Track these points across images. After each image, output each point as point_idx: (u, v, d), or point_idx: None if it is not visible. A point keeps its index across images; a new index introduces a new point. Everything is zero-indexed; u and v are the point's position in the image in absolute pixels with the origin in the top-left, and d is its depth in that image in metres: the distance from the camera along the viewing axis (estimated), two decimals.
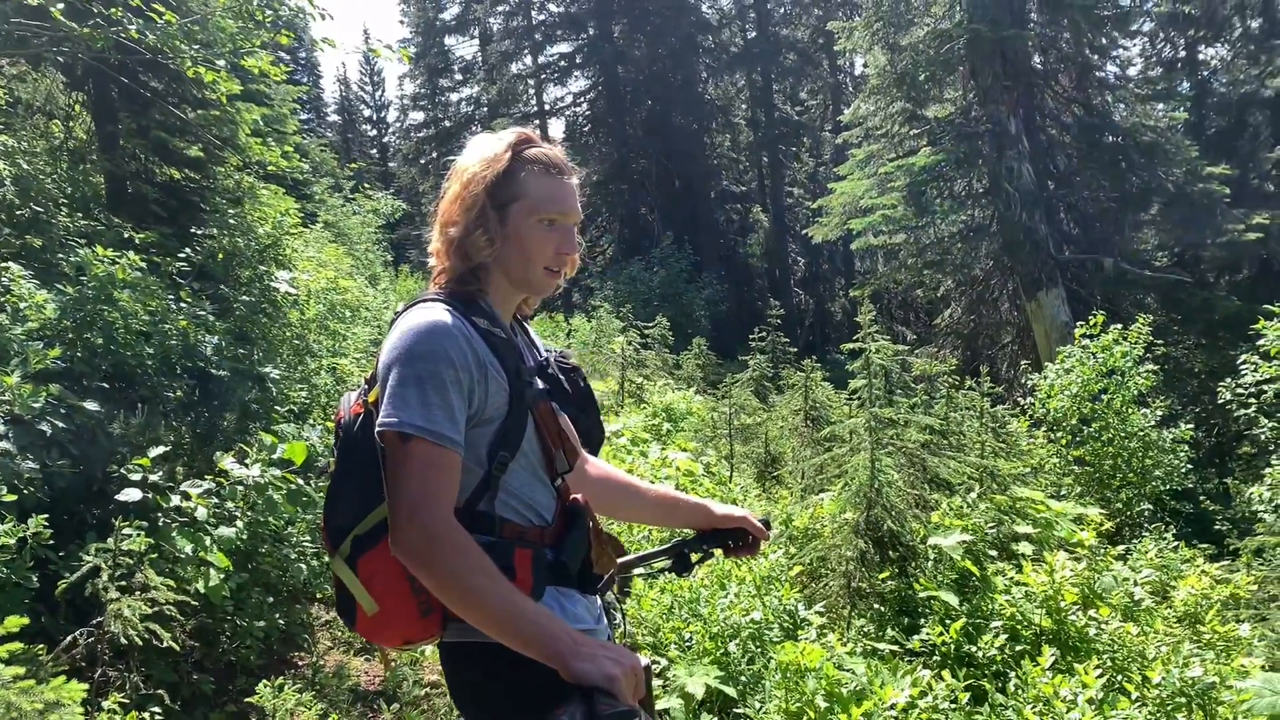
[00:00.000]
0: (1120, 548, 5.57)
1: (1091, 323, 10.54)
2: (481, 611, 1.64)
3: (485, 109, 37.62)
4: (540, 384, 1.93)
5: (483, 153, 1.91)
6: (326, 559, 4.84)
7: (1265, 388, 10.42)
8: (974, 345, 18.35)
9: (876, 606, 5.06)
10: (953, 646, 4.43)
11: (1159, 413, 10.22)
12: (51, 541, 3.63)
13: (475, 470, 1.79)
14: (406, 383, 1.69)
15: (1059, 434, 10.18)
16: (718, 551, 2.39)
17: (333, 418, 1.94)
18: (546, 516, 1.90)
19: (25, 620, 2.73)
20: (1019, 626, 4.53)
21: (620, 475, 2.35)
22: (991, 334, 18.10)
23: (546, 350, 2.12)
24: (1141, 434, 9.76)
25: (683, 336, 19.55)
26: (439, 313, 1.78)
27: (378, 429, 1.69)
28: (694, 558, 2.37)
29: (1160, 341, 11.29)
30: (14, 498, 3.58)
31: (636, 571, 2.42)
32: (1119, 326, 10.42)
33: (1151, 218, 18.65)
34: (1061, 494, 9.31)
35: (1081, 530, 5.41)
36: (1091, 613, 4.48)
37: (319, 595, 5.73)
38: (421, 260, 34.86)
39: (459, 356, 1.73)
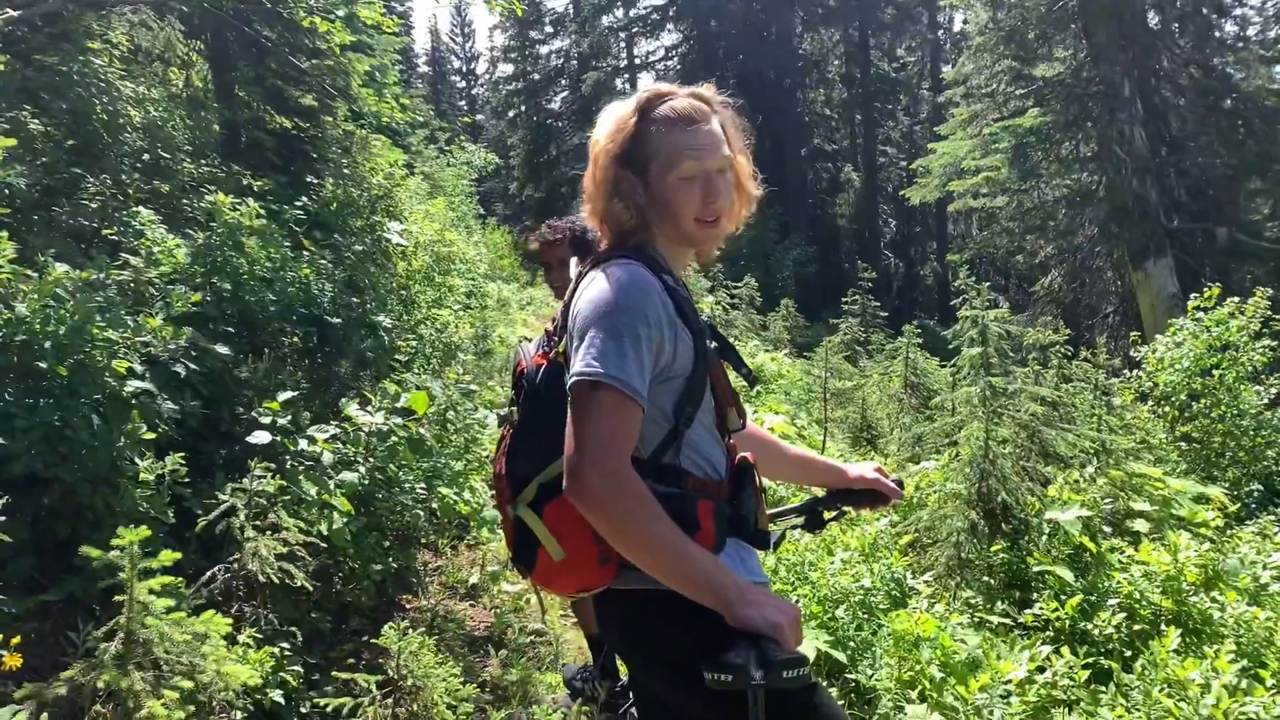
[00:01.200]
0: (1249, 528, 5.38)
1: (1206, 295, 10.13)
2: (655, 555, 1.67)
3: (575, 62, 37.52)
4: (713, 343, 1.94)
5: (609, 122, 1.93)
6: (447, 493, 4.93)
7: None
8: (1074, 314, 17.84)
9: (985, 579, 4.98)
10: (1067, 623, 4.34)
11: (1274, 390, 9.82)
12: (186, 480, 3.76)
13: (662, 424, 1.82)
14: (606, 334, 1.71)
15: (1166, 409, 9.85)
16: (849, 509, 2.44)
17: (514, 367, 1.98)
18: (721, 472, 1.92)
19: (178, 555, 2.83)
20: (1137, 605, 4.42)
21: (763, 433, 2.40)
22: (1092, 304, 17.58)
23: None
24: (1255, 411, 9.38)
25: (769, 298, 19.38)
26: (639, 269, 1.81)
27: (573, 377, 1.71)
28: (827, 515, 2.42)
29: (1277, 316, 10.82)
30: (153, 436, 3.70)
31: (776, 526, 2.45)
32: (1236, 300, 10.00)
33: (1270, 186, 17.85)
34: (1165, 470, 9.04)
35: (1206, 510, 5.24)
36: (1215, 594, 4.34)
37: (424, 541, 5.86)
38: (508, 214, 35.17)
39: (654, 314, 1.76)
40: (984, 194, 17.79)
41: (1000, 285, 26.02)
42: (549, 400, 1.85)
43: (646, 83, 37.00)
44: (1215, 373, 9.69)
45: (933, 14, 33.59)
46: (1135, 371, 10.66)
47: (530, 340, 2.05)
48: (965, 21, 21.38)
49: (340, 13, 6.24)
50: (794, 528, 2.50)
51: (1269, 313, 10.04)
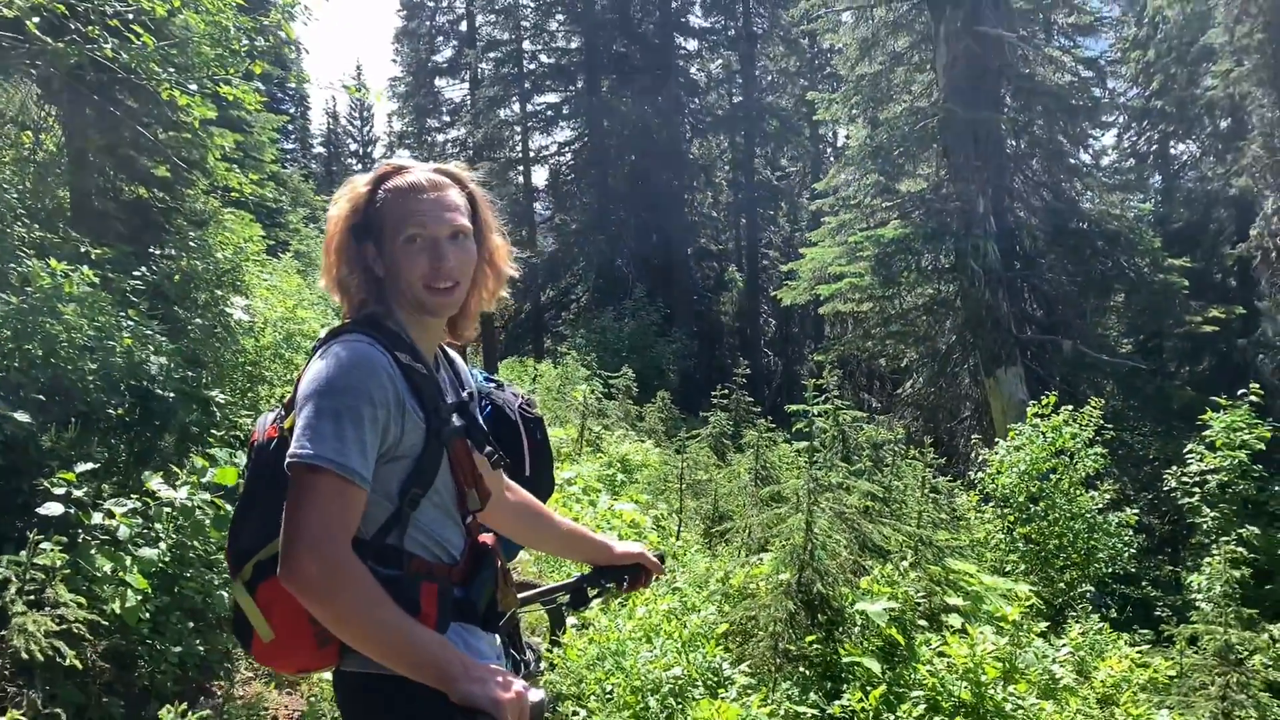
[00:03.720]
0: (1043, 624, 5.62)
1: (1044, 402, 10.68)
2: (376, 642, 1.64)
3: (470, 151, 37.82)
4: (458, 421, 1.92)
5: (344, 192, 1.92)
6: None
7: (1209, 478, 10.59)
8: (935, 417, 18.54)
9: (802, 670, 5.06)
10: (872, 714, 4.44)
11: (1107, 496, 10.33)
12: None
13: (385, 505, 1.79)
14: (324, 415, 1.67)
15: (1007, 510, 10.26)
16: (613, 585, 2.46)
17: (249, 438, 1.91)
18: (455, 554, 1.91)
19: None
20: (940, 698, 4.55)
21: (536, 504, 2.39)
22: (951, 407, 18.32)
23: (510, 391, 2.15)
24: (1087, 515, 9.85)
25: (649, 389, 19.58)
26: (364, 347, 1.77)
27: (288, 460, 1.66)
28: (591, 593, 2.45)
29: (1111, 426, 11.45)
30: None
31: (535, 606, 2.49)
32: (1070, 407, 10.57)
33: (1115, 304, 19.08)
34: (1006, 570, 9.38)
35: (1008, 606, 5.46)
36: (1011, 688, 4.51)
37: None
38: None
39: (379, 393, 1.72)
40: (851, 299, 18.51)
41: (869, 387, 26.91)
42: (275, 475, 1.77)
43: (541, 176, 37.67)
44: (1052, 477, 10.17)
45: (814, 128, 35.16)
46: (979, 474, 11.12)
47: (271, 412, 1.98)
48: (848, 136, 22.52)
49: (194, 87, 6.22)
50: (561, 605, 2.54)
51: (1102, 421, 10.64)
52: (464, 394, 2.04)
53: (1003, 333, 16.25)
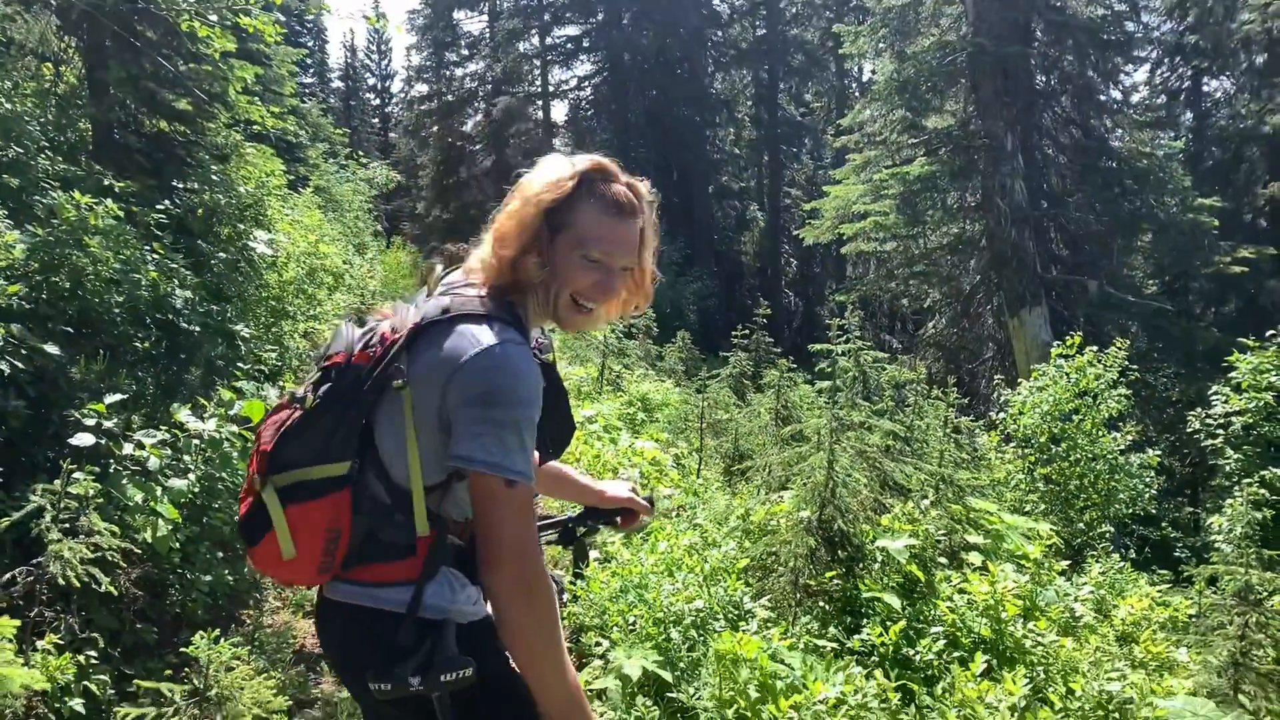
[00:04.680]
0: (1064, 563, 5.64)
1: (1069, 342, 10.60)
2: (549, 652, 1.74)
3: (489, 85, 37.50)
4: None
5: (549, 174, 1.92)
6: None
7: (1233, 420, 10.54)
8: (956, 358, 18.45)
9: (822, 605, 5.11)
10: (891, 648, 4.48)
11: (1129, 437, 10.29)
12: (2, 481, 3.65)
13: (437, 475, 1.81)
14: (510, 428, 1.72)
15: (1028, 451, 10.25)
16: (602, 526, 2.54)
17: (328, 350, 1.89)
18: (469, 513, 1.91)
19: None
20: (959, 634, 4.59)
21: None
22: (974, 348, 18.20)
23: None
24: (1109, 457, 9.83)
25: (669, 329, 19.57)
26: (527, 353, 1.81)
27: (485, 469, 1.71)
28: (580, 531, 2.52)
29: (1136, 368, 11.38)
30: None
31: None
32: (1095, 348, 10.49)
33: (1143, 244, 18.80)
34: (1025, 510, 9.39)
35: (1030, 545, 5.48)
36: (1030, 625, 4.54)
37: None
38: (415, 233, 34.82)
39: (539, 402, 1.80)
40: (874, 238, 18.33)
41: (891, 328, 26.78)
42: (350, 405, 1.79)
43: (560, 111, 37.27)
44: (1074, 418, 10.13)
45: (840, 62, 34.55)
46: (1002, 414, 11.09)
47: (359, 327, 1.93)
48: (874, 71, 22.11)
49: (214, 18, 6.15)
50: (549, 542, 2.58)
51: (1126, 363, 10.56)
52: None
53: (1028, 272, 16.07)
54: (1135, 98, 23.49)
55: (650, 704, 4.06)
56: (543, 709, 1.78)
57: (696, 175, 32.97)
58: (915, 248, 17.98)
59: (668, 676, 4.16)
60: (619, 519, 2.50)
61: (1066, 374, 10.33)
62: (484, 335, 1.77)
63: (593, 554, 5.62)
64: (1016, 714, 3.37)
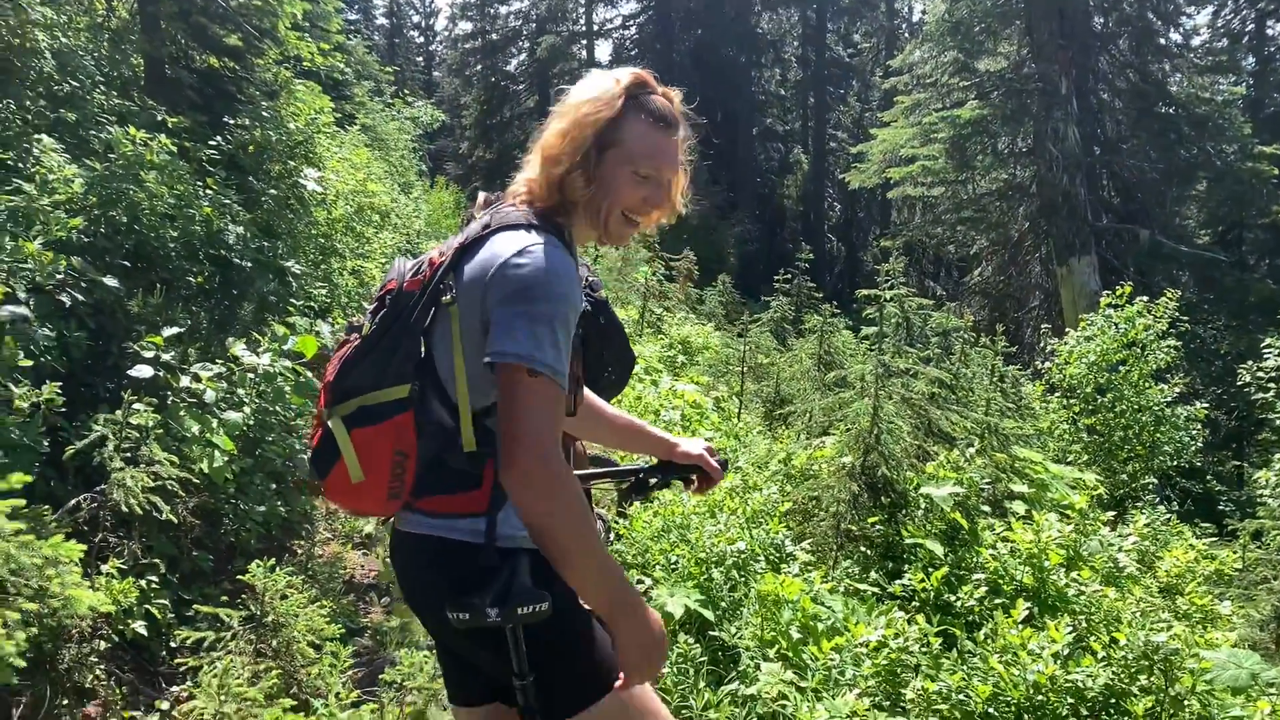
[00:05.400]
0: (1109, 514, 5.60)
1: (1118, 292, 10.43)
2: (576, 546, 1.73)
3: (533, 24, 37.12)
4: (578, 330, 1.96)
5: (596, 91, 1.92)
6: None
7: None
8: (1002, 306, 18.21)
9: (863, 549, 5.13)
10: (933, 594, 4.50)
11: (1177, 389, 10.15)
12: (64, 409, 3.74)
13: (491, 392, 1.82)
14: (541, 321, 1.72)
15: (1073, 401, 10.15)
16: (671, 482, 2.49)
17: (385, 282, 1.95)
18: None
19: (29, 478, 2.83)
20: (1001, 581, 4.60)
21: (592, 398, 2.40)
22: (1020, 296, 17.95)
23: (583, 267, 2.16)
24: (1155, 408, 9.71)
25: (709, 272, 19.46)
26: (565, 255, 1.81)
27: (510, 358, 1.70)
28: (651, 482, 2.47)
29: (1187, 319, 11.18)
30: (30, 363, 3.68)
31: (596, 485, 2.53)
32: (1145, 299, 10.31)
33: (1197, 193, 18.34)
34: (1068, 461, 9.33)
35: (1075, 494, 5.45)
36: (1074, 574, 4.53)
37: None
38: (458, 174, 34.78)
39: (577, 301, 1.80)
40: (922, 183, 18.03)
41: (936, 274, 26.45)
42: (405, 328, 1.84)
43: (604, 50, 36.83)
44: (1121, 369, 9.99)
45: (890, 1, 33.80)
46: (1047, 364, 10.97)
47: (410, 258, 2.00)
48: (925, 11, 21.60)
49: None
50: (619, 491, 2.57)
51: (1176, 314, 10.38)
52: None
53: (1078, 220, 15.76)
54: (1196, 41, 22.79)
55: (692, 641, 4.13)
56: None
57: (741, 117, 32.53)
58: (963, 193, 17.67)
59: (710, 615, 4.22)
60: (692, 478, 2.45)
61: (1115, 324, 10.17)
62: (520, 239, 1.81)
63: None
64: (1060, 661, 3.38)
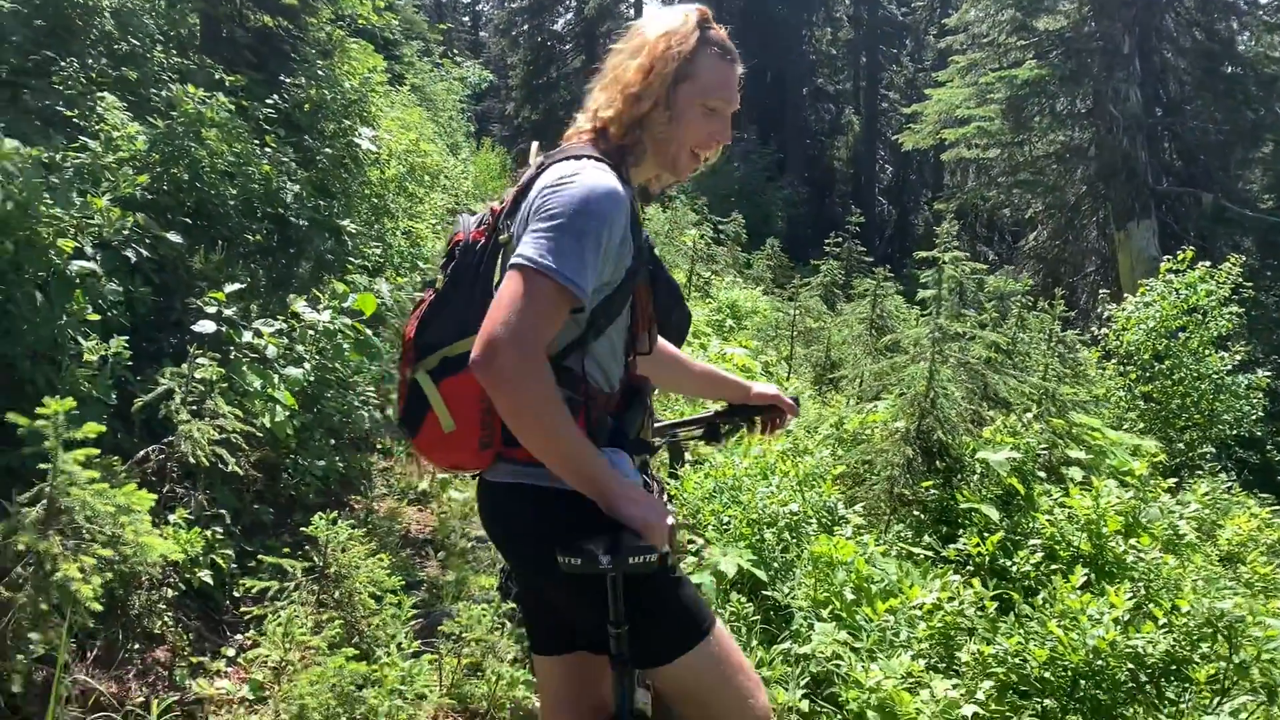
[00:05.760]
0: (1170, 481, 5.51)
1: (1180, 257, 10.20)
2: (549, 442, 1.73)
3: None
4: (649, 265, 1.99)
5: (671, 24, 1.93)
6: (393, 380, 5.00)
7: None
8: (1056, 271, 17.86)
9: (917, 514, 5.11)
10: (988, 559, 4.48)
11: (1238, 357, 9.96)
12: (131, 363, 3.82)
13: (574, 328, 1.84)
14: (567, 232, 1.72)
15: (1130, 368, 9.99)
16: (747, 424, 2.52)
17: (452, 236, 2.00)
18: (615, 386, 1.97)
19: (102, 428, 2.89)
20: (1057, 547, 4.56)
21: (669, 348, 2.42)
22: (1076, 262, 17.60)
23: None
24: (1214, 376, 9.53)
25: (757, 236, 19.31)
26: (613, 178, 1.81)
27: (522, 260, 1.70)
28: (725, 428, 2.51)
29: (1250, 285, 10.92)
30: (98, 318, 3.75)
31: (674, 436, 2.55)
32: (1207, 265, 10.08)
33: (1263, 155, 17.81)
34: (1124, 427, 9.20)
35: (1134, 461, 5.37)
36: (1133, 541, 4.48)
37: (379, 445, 5.96)
38: (504, 135, 34.73)
39: (618, 227, 1.79)
40: (976, 144, 17.67)
41: (989, 239, 26.01)
42: (476, 277, 1.87)
43: (653, 8, 36.42)
44: (1181, 336, 9.81)
45: None
46: (1104, 330, 10.78)
47: (473, 214, 2.04)
48: None
49: None
50: (694, 438, 2.59)
51: (1240, 280, 10.14)
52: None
53: (1138, 184, 15.39)
54: None
55: (745, 601, 4.14)
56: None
57: (791, 78, 32.06)
58: (1020, 155, 17.32)
59: (763, 575, 4.23)
60: (761, 419, 2.48)
61: (1175, 289, 9.97)
62: (568, 166, 1.83)
63: (686, 457, 5.69)
64: (1120, 627, 3.35)
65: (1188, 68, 17.00)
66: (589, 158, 1.85)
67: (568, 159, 1.86)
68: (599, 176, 1.78)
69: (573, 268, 1.69)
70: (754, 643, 3.92)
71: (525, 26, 37.69)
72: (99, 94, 4.97)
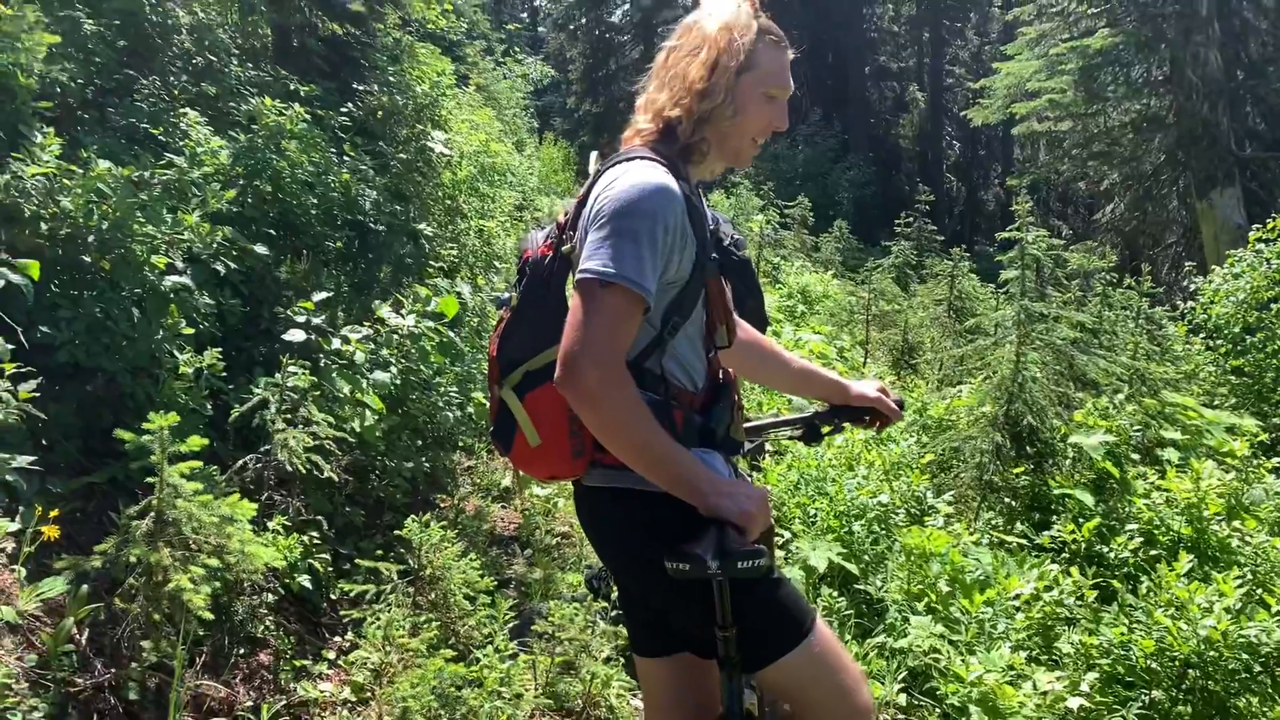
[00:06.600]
0: (1275, 460, 5.32)
1: (1270, 225, 9.82)
2: (639, 452, 1.75)
3: None
4: (715, 256, 1.97)
5: (730, 16, 1.93)
6: (480, 398, 5.07)
7: None
8: (1134, 244, 17.36)
9: (1007, 500, 5.02)
10: (1083, 546, 4.38)
11: None
12: (224, 375, 3.92)
13: (649, 329, 1.85)
14: (624, 235, 1.74)
15: (1218, 342, 9.65)
16: (847, 425, 2.47)
17: (520, 254, 2.04)
18: (699, 383, 1.97)
19: (205, 441, 2.98)
20: (1156, 532, 4.43)
21: (767, 342, 2.43)
22: (1155, 234, 17.07)
23: (725, 223, 2.18)
24: None
25: (824, 218, 19.09)
26: (663, 174, 1.82)
27: (585, 274, 1.73)
28: (825, 429, 2.44)
29: None
30: (191, 331, 3.85)
31: (768, 436, 2.51)
32: None
33: None
34: (1214, 404, 8.91)
35: (1234, 440, 5.20)
36: (1236, 524, 4.34)
37: (461, 443, 6.03)
38: (565, 129, 34.82)
39: (673, 221, 1.79)
40: (1048, 117, 17.21)
41: (1063, 213, 25.37)
42: (547, 291, 1.91)
43: None
44: (1273, 307, 9.45)
45: None
46: (1189, 303, 10.44)
47: (541, 229, 2.07)
48: None
49: None
50: (791, 438, 2.56)
51: None
52: (710, 228, 2.05)
53: (1220, 150, 14.85)
54: None
55: (836, 594, 4.11)
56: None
57: (852, 56, 31.61)
58: (1094, 126, 16.81)
59: (854, 569, 4.19)
60: (867, 419, 2.43)
61: (1266, 259, 9.59)
62: (621, 168, 1.84)
63: (767, 447, 5.66)
64: (1232, 615, 3.25)
65: (1269, 28, 16.36)
66: (639, 158, 1.86)
67: (619, 163, 1.88)
68: (646, 174, 1.80)
69: (634, 270, 1.71)
70: (847, 637, 3.89)
71: (583, 20, 37.68)
72: (181, 110, 5.10)
